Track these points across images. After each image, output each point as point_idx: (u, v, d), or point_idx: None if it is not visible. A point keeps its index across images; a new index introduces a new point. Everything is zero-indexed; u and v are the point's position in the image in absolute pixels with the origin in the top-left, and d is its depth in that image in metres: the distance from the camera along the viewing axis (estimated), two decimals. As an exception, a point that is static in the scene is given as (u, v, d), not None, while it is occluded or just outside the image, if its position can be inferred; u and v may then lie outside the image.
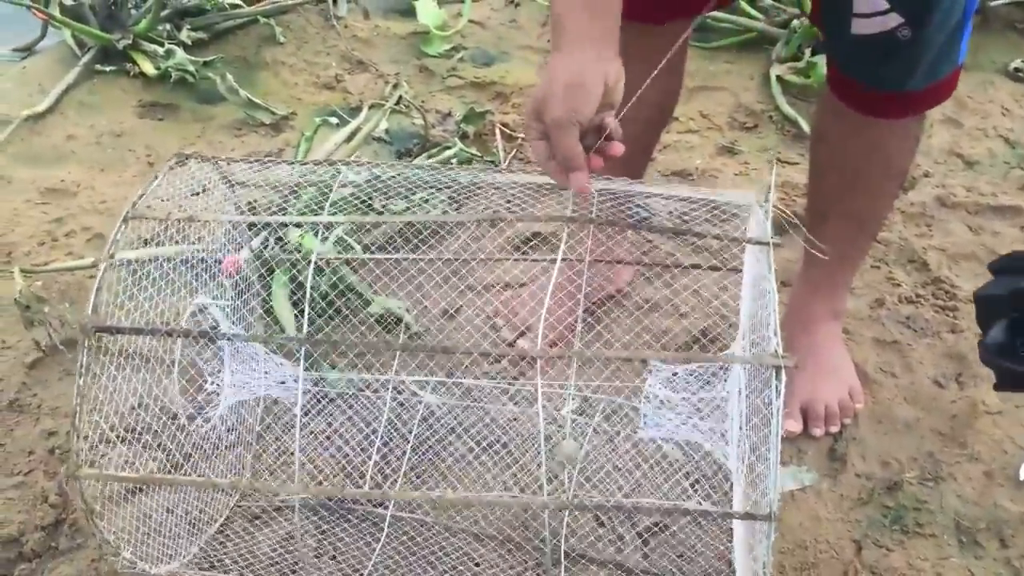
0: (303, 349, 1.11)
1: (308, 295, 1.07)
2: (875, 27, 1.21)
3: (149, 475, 1.23)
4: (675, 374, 1.18)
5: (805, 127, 2.14)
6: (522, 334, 1.60)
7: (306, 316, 1.06)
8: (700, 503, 1.33)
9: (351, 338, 1.50)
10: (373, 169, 1.35)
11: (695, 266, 1.51)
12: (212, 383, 1.25)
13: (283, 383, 1.25)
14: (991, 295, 0.83)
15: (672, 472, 1.35)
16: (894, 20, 1.19)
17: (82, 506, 1.04)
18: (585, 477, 1.37)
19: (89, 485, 1.06)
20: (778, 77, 2.32)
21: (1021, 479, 1.40)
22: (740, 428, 1.09)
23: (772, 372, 0.91)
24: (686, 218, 1.21)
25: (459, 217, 1.16)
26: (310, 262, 1.10)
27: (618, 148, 1.05)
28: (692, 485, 1.35)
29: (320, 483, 1.37)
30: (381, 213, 1.75)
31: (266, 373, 1.28)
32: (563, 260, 1.57)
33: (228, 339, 1.15)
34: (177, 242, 1.44)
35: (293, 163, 1.33)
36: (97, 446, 1.37)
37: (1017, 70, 2.40)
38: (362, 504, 1.35)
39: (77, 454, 1.02)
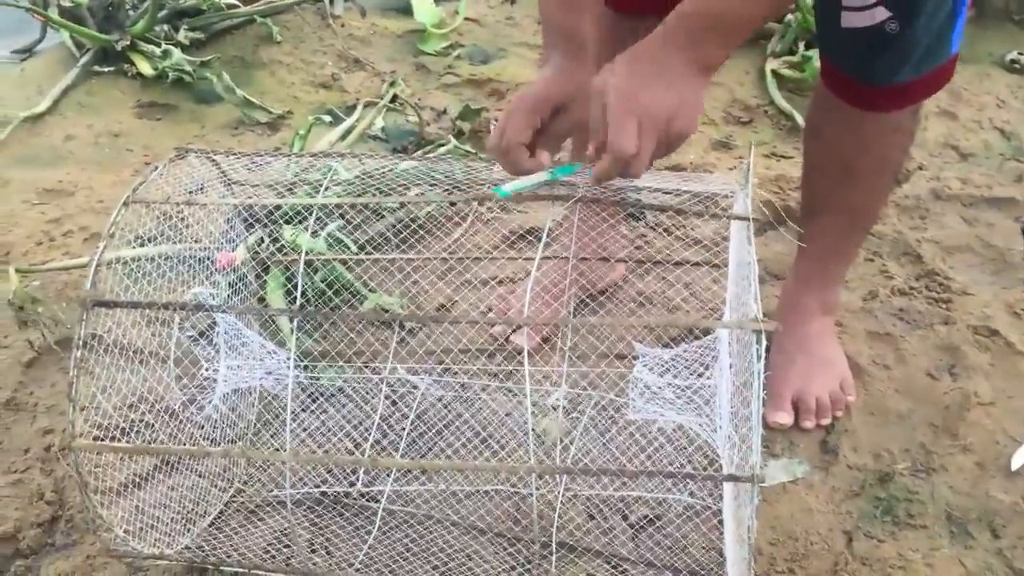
0: (293, 324, 1.12)
1: (300, 282, 1.08)
2: (864, 20, 1.21)
3: (143, 446, 1.23)
4: (662, 360, 1.20)
5: (800, 121, 2.14)
6: (516, 330, 1.61)
7: (299, 290, 1.07)
8: (691, 492, 1.34)
9: (343, 309, 1.51)
10: (367, 162, 1.37)
11: (679, 263, 1.52)
12: (208, 369, 1.26)
13: (274, 372, 1.26)
14: None
15: (662, 463, 1.36)
16: (882, 14, 1.19)
17: (76, 478, 1.05)
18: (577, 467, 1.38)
19: (83, 456, 1.07)
20: (773, 72, 2.33)
21: (1013, 470, 1.40)
22: (729, 410, 1.10)
23: (753, 336, 0.92)
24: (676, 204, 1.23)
25: (453, 198, 1.17)
26: (301, 255, 1.11)
27: (535, 163, 1.13)
28: (683, 478, 1.35)
29: (314, 475, 1.38)
30: (376, 210, 1.77)
31: (260, 360, 1.29)
32: (554, 258, 1.60)
33: (223, 311, 1.16)
34: (174, 242, 1.45)
35: (290, 155, 1.34)
36: (94, 440, 1.38)
37: (1013, 62, 2.40)
38: (355, 499, 1.35)
39: (73, 424, 1.04)
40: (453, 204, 1.09)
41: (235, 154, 1.26)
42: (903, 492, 1.37)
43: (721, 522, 1.30)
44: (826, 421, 1.47)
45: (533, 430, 1.40)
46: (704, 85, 1.09)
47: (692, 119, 1.09)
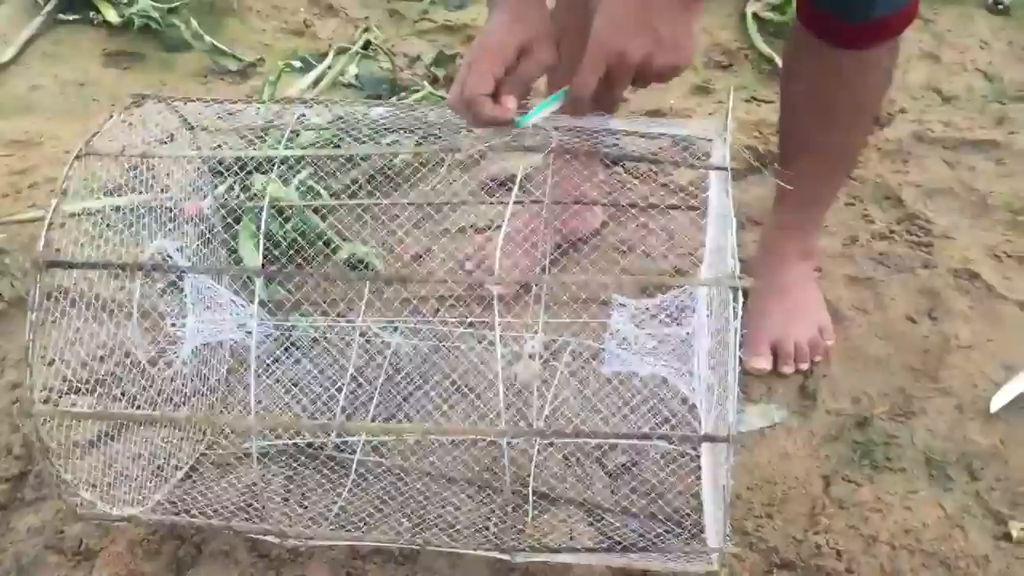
0: (259, 281, 1.09)
1: (263, 230, 1.05)
2: (841, -46, 1.18)
3: (104, 411, 1.21)
4: (640, 310, 1.18)
5: (781, 65, 2.11)
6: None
7: (260, 248, 1.04)
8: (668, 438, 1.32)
9: (307, 269, 1.48)
10: (335, 108, 1.33)
11: (652, 205, 1.49)
12: (174, 324, 1.23)
13: (244, 325, 1.23)
14: None
15: (640, 412, 1.34)
16: None
17: (37, 443, 1.03)
18: (553, 418, 1.36)
19: (45, 423, 1.04)
20: (754, 15, 2.29)
21: (992, 412, 1.39)
22: (707, 360, 1.08)
23: (730, 293, 0.90)
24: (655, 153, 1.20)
25: (422, 149, 1.14)
26: (266, 199, 1.07)
27: (502, 109, 1.07)
28: (660, 424, 1.34)
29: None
30: (349, 158, 1.73)
31: (230, 314, 1.26)
32: (529, 201, 1.57)
33: (182, 272, 1.13)
34: (142, 191, 1.41)
35: (251, 101, 1.30)
36: (60, 397, 1.36)
37: (996, 3, 2.37)
38: (328, 450, 1.34)
39: (31, 390, 1.01)
40: (422, 155, 1.06)
41: (192, 100, 1.22)
42: (882, 436, 1.37)
43: (699, 467, 1.29)
44: (805, 366, 1.46)
45: (510, 379, 1.38)
46: (693, 15, 1.06)
47: (679, 54, 1.06)
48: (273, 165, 1.55)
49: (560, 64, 1.13)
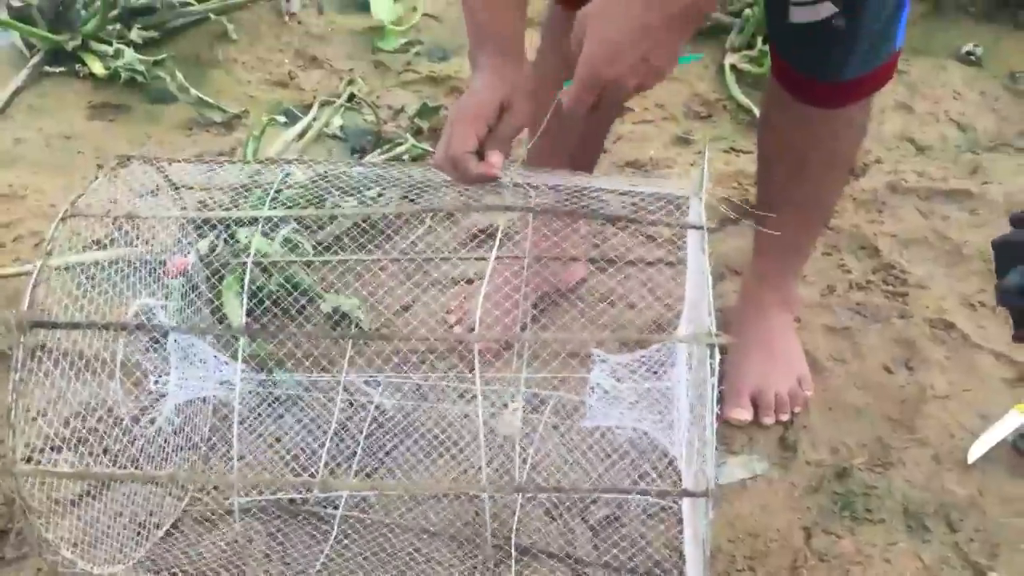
0: (242, 340, 1.10)
1: (247, 285, 1.06)
2: (810, 15, 1.21)
3: (86, 470, 1.21)
4: (620, 365, 1.19)
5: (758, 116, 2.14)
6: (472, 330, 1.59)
7: (243, 306, 1.05)
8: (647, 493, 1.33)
9: (290, 328, 1.49)
10: (317, 167, 1.35)
11: (637, 261, 1.51)
12: (156, 382, 1.24)
13: (228, 382, 1.24)
14: (1010, 241, 0.92)
15: (621, 465, 1.35)
16: (827, 9, 1.19)
17: (19, 502, 1.03)
18: (535, 472, 1.37)
19: (27, 482, 1.05)
20: (732, 66, 2.33)
21: (969, 463, 1.41)
22: (688, 414, 1.09)
23: (707, 350, 0.92)
24: (635, 208, 1.22)
25: (404, 208, 1.15)
26: (249, 255, 1.09)
27: (487, 167, 1.10)
28: (641, 477, 1.35)
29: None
30: (332, 212, 1.74)
31: (213, 371, 1.27)
32: (511, 257, 1.59)
33: (165, 331, 1.14)
34: (127, 245, 1.42)
35: (236, 162, 1.32)
36: (42, 452, 1.35)
37: (969, 54, 2.41)
38: (311, 505, 1.34)
39: (13, 451, 1.01)
40: (402, 215, 1.10)
41: (178, 161, 1.24)
42: (861, 487, 1.38)
43: (681, 520, 1.30)
44: (785, 417, 1.47)
45: (492, 432, 1.39)
46: (685, 36, 1.03)
47: (662, 76, 1.04)
48: (257, 221, 1.57)
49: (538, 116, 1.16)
